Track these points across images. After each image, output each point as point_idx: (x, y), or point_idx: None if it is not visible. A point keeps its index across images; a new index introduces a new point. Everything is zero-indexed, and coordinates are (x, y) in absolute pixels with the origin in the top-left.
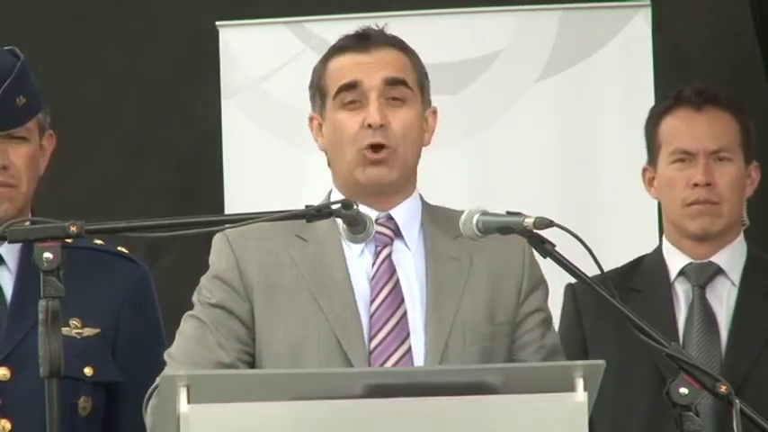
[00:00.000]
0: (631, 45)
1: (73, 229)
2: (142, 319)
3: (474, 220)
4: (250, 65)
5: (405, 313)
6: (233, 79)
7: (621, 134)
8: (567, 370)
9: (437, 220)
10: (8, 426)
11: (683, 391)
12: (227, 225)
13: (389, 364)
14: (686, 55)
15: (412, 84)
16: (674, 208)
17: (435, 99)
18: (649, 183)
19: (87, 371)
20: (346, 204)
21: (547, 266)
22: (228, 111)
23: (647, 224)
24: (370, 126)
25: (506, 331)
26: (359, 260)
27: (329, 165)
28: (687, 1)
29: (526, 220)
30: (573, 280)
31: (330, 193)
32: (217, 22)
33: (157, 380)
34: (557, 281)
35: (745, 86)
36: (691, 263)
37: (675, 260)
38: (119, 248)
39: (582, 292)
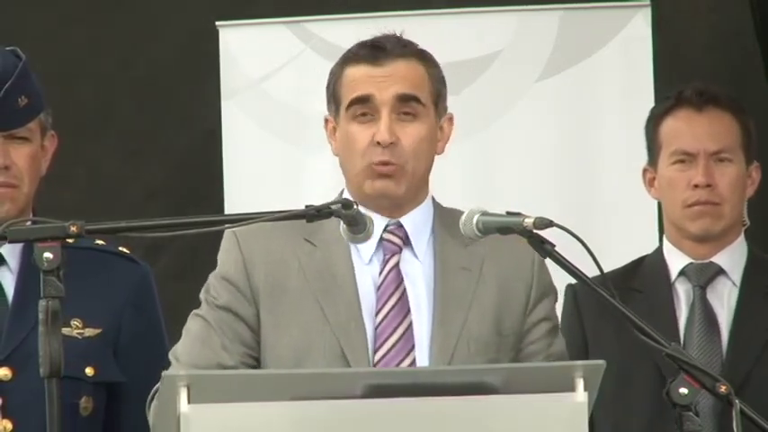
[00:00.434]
0: (631, 45)
1: (73, 229)
2: (144, 319)
3: (474, 221)
4: (250, 65)
5: (410, 325)
6: (233, 79)
7: (621, 134)
8: (567, 370)
9: (449, 225)
10: (9, 426)
11: (683, 391)
12: (226, 225)
13: None
14: (686, 55)
15: (425, 97)
16: (674, 209)
17: None
18: (650, 183)
19: (88, 371)
20: (346, 204)
21: (549, 267)
22: (228, 111)
23: (647, 224)
24: (379, 143)
25: (512, 342)
26: (367, 267)
27: (342, 169)
28: (687, 1)
29: (526, 220)
30: (573, 280)
31: (342, 192)
32: (217, 22)
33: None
34: (557, 281)
35: (745, 86)
36: (691, 263)
37: (676, 260)
38: (120, 249)
39: (582, 292)
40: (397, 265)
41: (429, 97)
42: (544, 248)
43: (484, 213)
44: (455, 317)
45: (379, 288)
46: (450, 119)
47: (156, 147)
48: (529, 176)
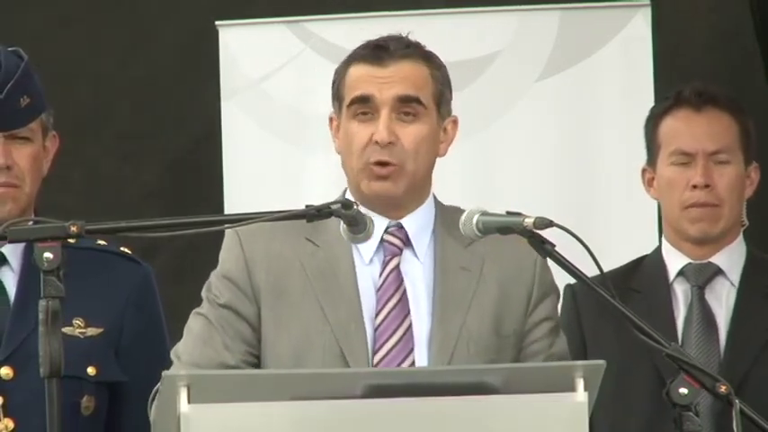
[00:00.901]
0: (631, 45)
1: (73, 229)
2: (145, 318)
3: (474, 220)
4: (250, 65)
5: (410, 326)
6: (233, 79)
7: (621, 134)
8: (567, 370)
9: (450, 225)
10: (11, 425)
11: (683, 391)
12: (226, 225)
13: None
14: (686, 55)
15: (427, 99)
16: (673, 209)
17: None
18: (648, 183)
19: (90, 370)
20: (346, 204)
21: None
22: (228, 111)
23: (647, 224)
24: (377, 143)
25: (512, 343)
26: (367, 268)
27: (343, 167)
28: (687, 1)
29: (526, 220)
30: (573, 280)
31: (345, 191)
32: (217, 22)
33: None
34: (557, 281)
35: (745, 86)
36: (690, 263)
37: (674, 260)
38: (121, 249)
39: (581, 292)
40: (397, 266)
41: (431, 99)
42: (544, 248)
43: (484, 213)
44: (454, 317)
45: (379, 289)
46: (455, 121)
47: (156, 147)
48: (529, 176)
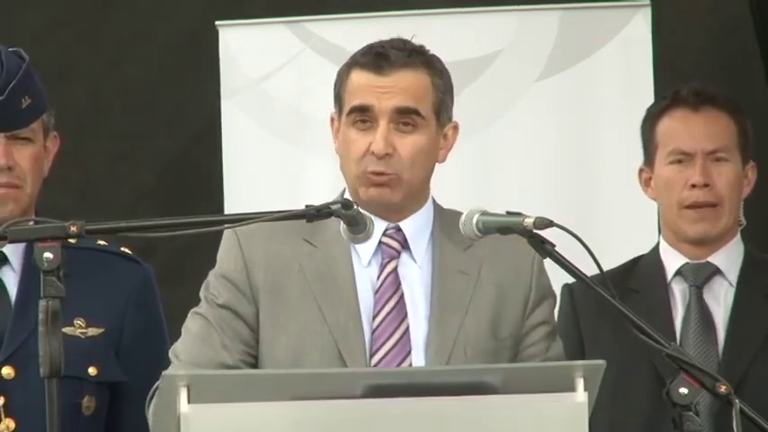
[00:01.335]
0: (631, 45)
1: (73, 229)
2: (146, 319)
3: (474, 220)
4: (250, 65)
5: (407, 329)
6: (233, 79)
7: (621, 134)
8: (567, 370)
9: (449, 228)
10: (12, 425)
11: (683, 391)
12: (226, 225)
13: None
14: (686, 55)
15: (426, 109)
16: (671, 209)
17: None
18: (646, 183)
19: (91, 370)
20: (346, 204)
21: (547, 267)
22: (228, 111)
23: (647, 224)
24: (374, 153)
25: (509, 346)
26: (366, 270)
27: (341, 170)
28: (687, 1)
29: (526, 220)
30: (572, 280)
31: (343, 192)
32: (217, 22)
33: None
34: (556, 280)
35: (745, 86)
36: (687, 263)
37: (672, 260)
38: (122, 249)
39: (579, 292)
40: (395, 269)
41: (430, 109)
42: (544, 248)
43: (484, 213)
44: (452, 321)
45: (377, 291)
46: (455, 127)
47: (156, 147)
48: (529, 176)
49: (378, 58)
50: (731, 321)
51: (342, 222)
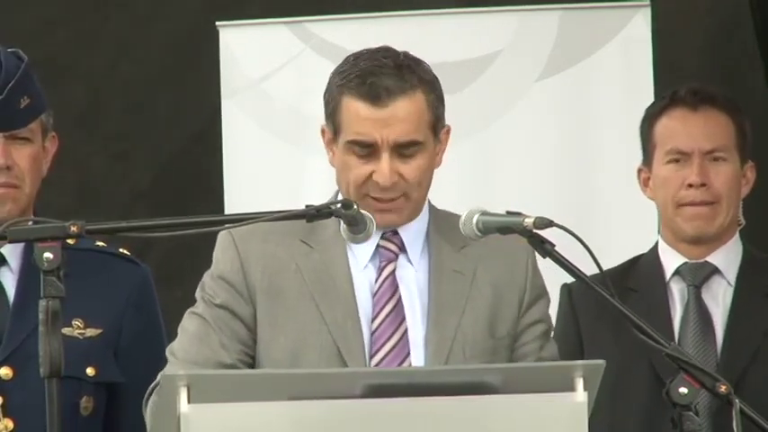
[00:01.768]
0: (631, 45)
1: (73, 229)
2: (144, 320)
3: (474, 220)
4: (250, 65)
5: (406, 331)
6: (233, 79)
7: (621, 134)
8: (566, 370)
9: (444, 230)
10: (11, 425)
11: (683, 390)
12: (226, 225)
13: None
14: (686, 55)
15: (425, 134)
16: (668, 208)
17: None
18: (644, 183)
19: (89, 371)
20: (346, 204)
21: (545, 266)
22: (228, 111)
23: (646, 224)
24: (378, 183)
25: (507, 344)
26: (363, 272)
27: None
28: (687, 1)
29: (526, 220)
30: (572, 280)
31: (336, 194)
32: (217, 22)
33: (158, 378)
34: (556, 280)
35: (745, 86)
36: (686, 262)
37: (671, 260)
38: (120, 250)
39: (578, 291)
40: (393, 272)
41: (429, 130)
42: (544, 248)
43: (484, 213)
44: (449, 321)
45: (375, 294)
46: (448, 131)
47: (155, 147)
48: (529, 176)
49: (373, 88)
50: (730, 321)
51: (342, 222)
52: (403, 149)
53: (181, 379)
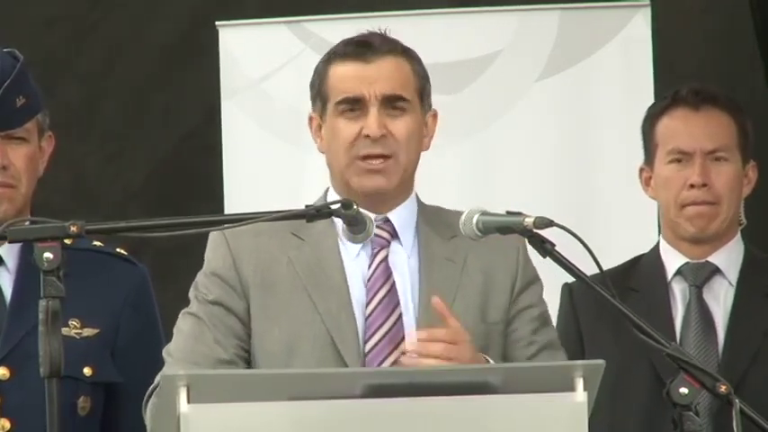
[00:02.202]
0: (631, 45)
1: (73, 229)
2: (142, 320)
3: (474, 220)
4: (250, 65)
5: (400, 316)
6: (233, 79)
7: (621, 134)
8: (566, 370)
9: (432, 221)
10: (8, 425)
11: (684, 390)
12: (226, 225)
13: (385, 366)
14: (686, 55)
15: (411, 94)
16: (670, 208)
17: (435, 99)
18: (646, 182)
19: (86, 371)
20: (346, 204)
21: (545, 266)
22: (228, 111)
23: (646, 224)
24: (368, 137)
25: (501, 330)
26: (354, 261)
27: (328, 166)
28: (687, 1)
29: (526, 219)
30: (572, 279)
31: (327, 191)
32: (217, 22)
33: (157, 379)
34: (556, 280)
35: (745, 86)
36: (687, 262)
37: (672, 260)
38: (118, 250)
39: (578, 291)
40: (385, 258)
41: (415, 94)
42: (544, 248)
43: (484, 213)
44: None
45: (368, 281)
46: (435, 115)
47: (155, 147)
48: (529, 176)
49: (360, 46)
50: (731, 321)
51: (342, 222)
52: (390, 105)
53: (180, 379)
